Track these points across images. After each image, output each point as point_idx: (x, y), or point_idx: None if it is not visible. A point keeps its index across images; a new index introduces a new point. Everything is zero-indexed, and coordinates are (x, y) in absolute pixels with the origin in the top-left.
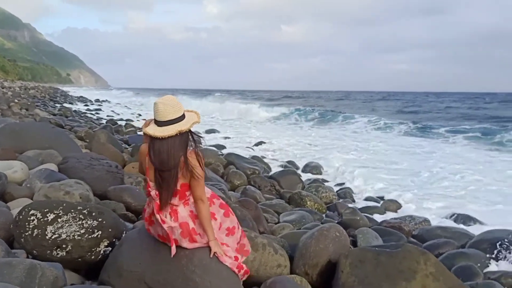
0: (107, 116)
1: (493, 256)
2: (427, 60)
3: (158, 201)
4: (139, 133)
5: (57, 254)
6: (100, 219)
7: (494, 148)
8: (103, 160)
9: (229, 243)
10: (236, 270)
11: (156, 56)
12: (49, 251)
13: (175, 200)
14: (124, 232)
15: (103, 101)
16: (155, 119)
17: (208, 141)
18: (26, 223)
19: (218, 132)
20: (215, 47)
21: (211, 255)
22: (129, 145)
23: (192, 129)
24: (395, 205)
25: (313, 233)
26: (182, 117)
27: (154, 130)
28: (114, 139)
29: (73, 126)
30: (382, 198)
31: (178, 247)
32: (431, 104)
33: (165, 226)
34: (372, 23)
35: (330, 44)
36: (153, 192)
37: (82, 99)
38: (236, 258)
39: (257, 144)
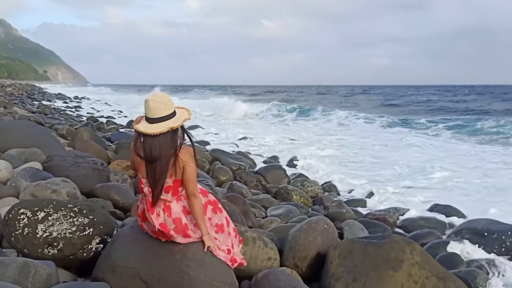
0: (87, 113)
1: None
2: (407, 55)
3: (150, 198)
4: (121, 130)
5: (49, 252)
6: (91, 217)
7: (476, 140)
8: (88, 157)
9: (220, 239)
10: (230, 264)
11: (135, 51)
12: (40, 250)
13: (168, 196)
14: (116, 229)
15: (82, 98)
16: (146, 116)
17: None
18: (16, 222)
19: (202, 128)
20: (195, 43)
21: (205, 249)
22: (112, 142)
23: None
24: (378, 197)
25: (302, 226)
26: (173, 114)
27: (146, 127)
28: (97, 136)
29: (53, 124)
30: (366, 191)
31: (172, 242)
32: (411, 97)
33: (156, 225)
34: (354, 18)
35: (312, 39)
36: (146, 189)
37: (60, 96)
38: (229, 251)
39: (241, 140)
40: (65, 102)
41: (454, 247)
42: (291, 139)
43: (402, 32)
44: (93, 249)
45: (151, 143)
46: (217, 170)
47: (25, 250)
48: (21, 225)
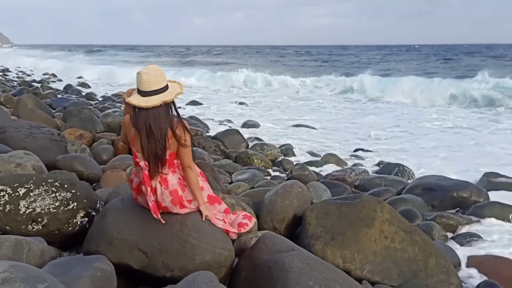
0: (18, 78)
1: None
2: (350, 14)
3: (147, 172)
4: (59, 96)
5: (33, 228)
6: (73, 191)
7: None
8: (44, 128)
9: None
10: (230, 229)
11: (63, 9)
12: (24, 226)
13: (165, 169)
14: (98, 202)
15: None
16: (138, 89)
17: None
18: None
19: None
20: (129, 0)
21: (203, 219)
22: (54, 109)
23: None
24: (333, 159)
25: (278, 190)
26: (166, 87)
27: (138, 100)
28: (42, 104)
29: None
30: (319, 153)
31: (169, 213)
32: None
33: (150, 201)
34: None
35: None
36: (142, 163)
37: None
38: (224, 221)
39: (189, 104)
40: None
41: (409, 202)
42: (234, 102)
43: None
44: (78, 223)
45: (145, 117)
46: None
47: (7, 227)
48: (1, 202)
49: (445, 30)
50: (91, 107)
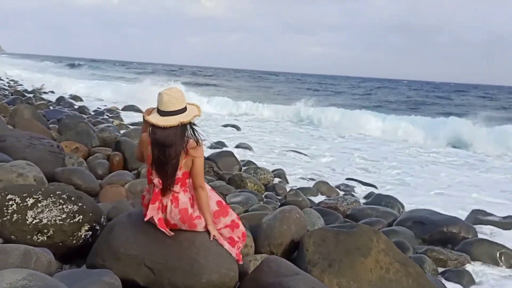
0: (9, 86)
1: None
2: (343, 46)
3: (159, 189)
4: (51, 107)
5: (38, 239)
6: (80, 204)
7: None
8: (44, 139)
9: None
10: (234, 254)
11: (60, 20)
12: (29, 236)
13: (177, 188)
14: (102, 216)
15: None
16: (158, 108)
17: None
18: (4, 208)
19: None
20: (127, 16)
21: (211, 239)
22: (47, 120)
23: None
24: (325, 187)
25: (276, 215)
26: (184, 109)
27: (157, 119)
28: (38, 114)
29: None
30: (311, 180)
31: (178, 230)
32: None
33: (158, 215)
34: (293, 2)
35: (250, 21)
36: (156, 180)
37: None
38: (230, 240)
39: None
40: None
41: (400, 234)
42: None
43: (340, 22)
44: (82, 236)
45: (161, 135)
46: None
47: (13, 236)
48: (9, 211)
49: (434, 68)
50: (85, 120)
